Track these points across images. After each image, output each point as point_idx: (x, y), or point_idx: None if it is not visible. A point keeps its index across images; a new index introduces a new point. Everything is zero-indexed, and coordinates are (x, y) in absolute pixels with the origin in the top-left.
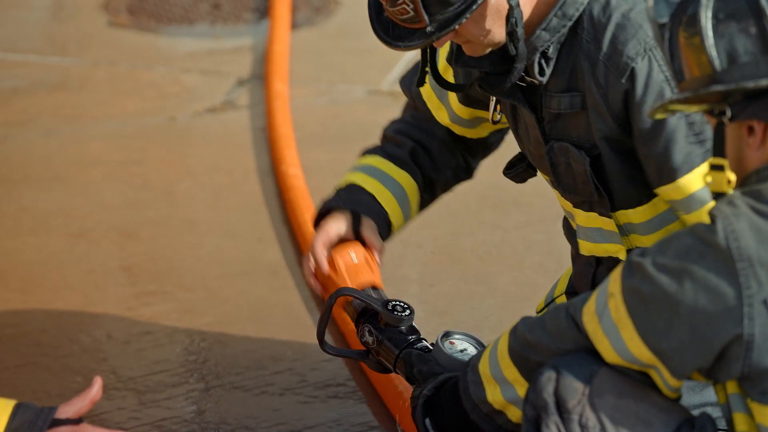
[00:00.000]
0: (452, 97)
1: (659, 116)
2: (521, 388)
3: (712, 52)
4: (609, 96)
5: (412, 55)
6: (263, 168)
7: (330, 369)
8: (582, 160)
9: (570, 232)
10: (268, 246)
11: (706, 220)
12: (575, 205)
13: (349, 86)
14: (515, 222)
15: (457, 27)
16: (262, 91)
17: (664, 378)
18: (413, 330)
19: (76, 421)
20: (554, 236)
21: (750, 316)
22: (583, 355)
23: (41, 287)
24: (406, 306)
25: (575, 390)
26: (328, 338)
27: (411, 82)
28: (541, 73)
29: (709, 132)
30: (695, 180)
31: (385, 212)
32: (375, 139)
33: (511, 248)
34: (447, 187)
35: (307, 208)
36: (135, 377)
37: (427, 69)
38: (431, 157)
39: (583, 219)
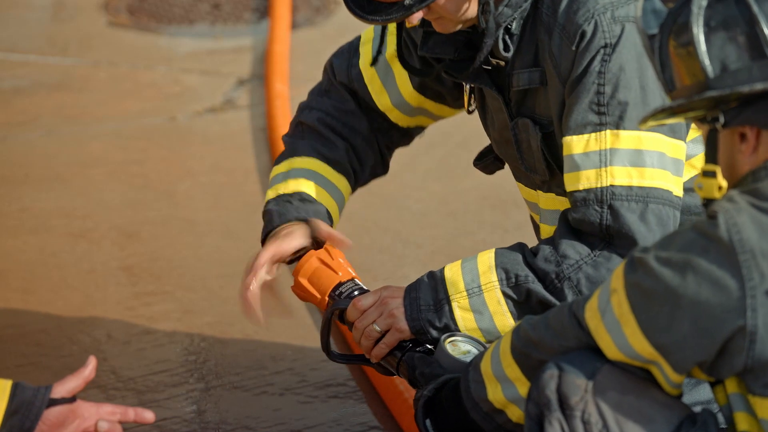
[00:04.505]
0: (403, 82)
1: (651, 124)
2: (522, 386)
3: (705, 59)
4: (561, 65)
5: None
6: (263, 168)
7: (330, 369)
8: (535, 135)
9: (536, 228)
10: None
11: (702, 215)
12: (538, 187)
13: None
14: (515, 222)
15: None
16: (262, 91)
17: (665, 373)
18: None
19: (71, 399)
20: None
21: (753, 307)
22: (586, 353)
23: (41, 287)
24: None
25: (578, 387)
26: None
27: (350, 63)
28: (506, 49)
29: (614, 108)
30: (576, 144)
31: (332, 221)
32: None
33: None
34: (364, 184)
35: None
36: (135, 377)
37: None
38: (357, 156)
39: (545, 201)
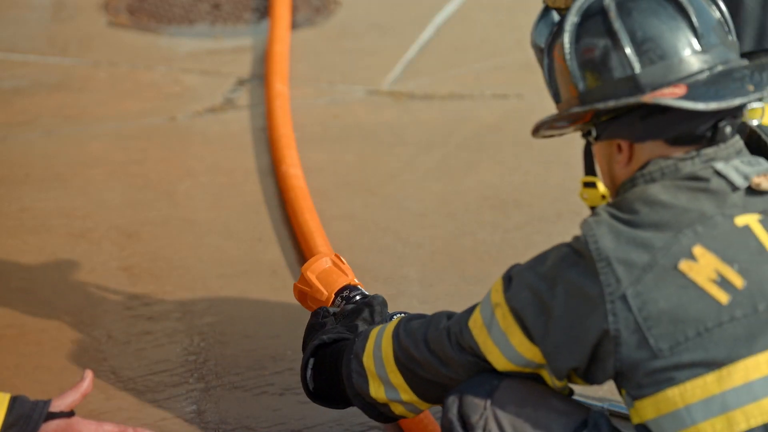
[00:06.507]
0: None
1: (544, 134)
2: (405, 394)
3: (575, 74)
4: None
5: (413, 55)
6: (263, 168)
7: None
8: None
9: None
10: (268, 246)
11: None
12: None
13: (349, 86)
14: (515, 222)
15: None
16: (262, 91)
17: (552, 378)
18: None
19: (69, 414)
20: (554, 236)
21: (613, 312)
22: (484, 374)
23: (41, 287)
24: None
25: (477, 406)
26: None
27: None
28: None
29: None
30: None
31: None
32: (375, 139)
33: (511, 248)
34: None
35: (307, 208)
36: (135, 377)
37: None
38: None
39: None
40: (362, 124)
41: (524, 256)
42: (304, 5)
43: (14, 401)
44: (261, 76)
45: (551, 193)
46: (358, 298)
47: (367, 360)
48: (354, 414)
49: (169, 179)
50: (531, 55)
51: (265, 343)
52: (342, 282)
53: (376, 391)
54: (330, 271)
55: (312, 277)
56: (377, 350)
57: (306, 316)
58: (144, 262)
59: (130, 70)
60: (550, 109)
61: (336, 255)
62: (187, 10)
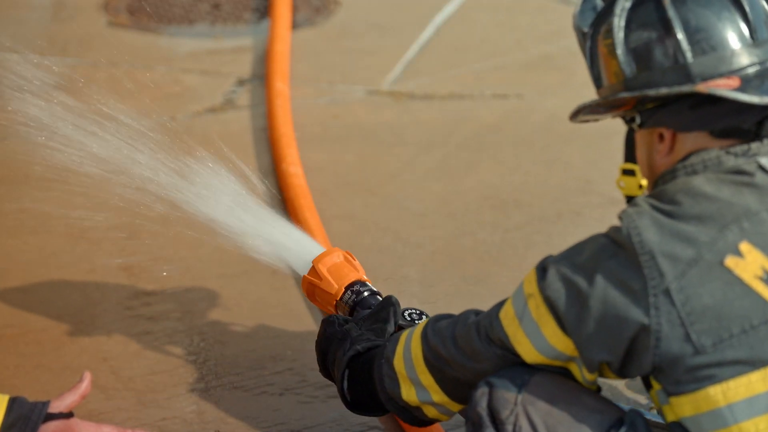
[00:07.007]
0: None
1: (582, 119)
2: (436, 394)
3: (623, 59)
4: None
5: (413, 55)
6: (263, 168)
7: None
8: None
9: None
10: None
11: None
12: None
13: (349, 86)
14: (515, 222)
15: None
16: (263, 91)
17: (582, 370)
18: None
19: (67, 415)
20: (554, 236)
21: (655, 305)
22: (514, 368)
23: (41, 287)
24: (420, 313)
25: (507, 400)
26: None
27: None
28: None
29: None
30: None
31: None
32: (375, 139)
33: (511, 248)
34: None
35: (307, 208)
36: (135, 377)
37: None
38: None
39: None
40: (362, 124)
41: (524, 256)
42: (304, 5)
43: (13, 402)
44: (261, 76)
45: (551, 193)
46: (366, 294)
47: (398, 363)
48: (354, 414)
49: None
50: (531, 55)
51: (265, 343)
52: (353, 277)
53: (408, 394)
54: (341, 266)
55: (323, 269)
56: (407, 352)
57: (305, 314)
58: (144, 262)
59: (130, 70)
60: (550, 108)
61: (347, 252)
62: (187, 10)
